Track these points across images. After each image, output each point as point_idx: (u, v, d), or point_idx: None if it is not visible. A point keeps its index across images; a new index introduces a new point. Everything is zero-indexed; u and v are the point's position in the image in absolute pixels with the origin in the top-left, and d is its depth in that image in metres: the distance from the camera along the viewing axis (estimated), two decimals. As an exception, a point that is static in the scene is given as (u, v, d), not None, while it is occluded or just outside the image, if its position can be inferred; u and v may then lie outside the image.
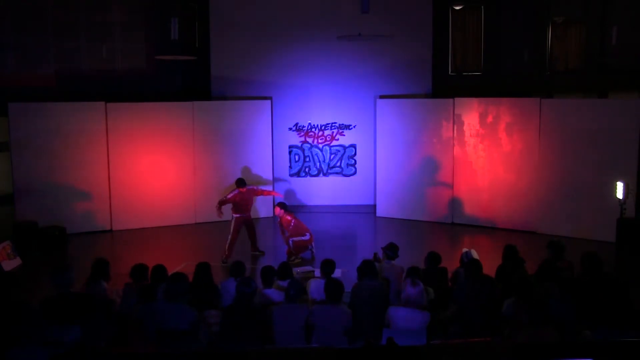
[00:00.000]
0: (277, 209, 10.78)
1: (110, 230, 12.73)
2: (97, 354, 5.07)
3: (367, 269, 6.52)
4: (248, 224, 10.93)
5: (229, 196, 10.75)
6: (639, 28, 12.62)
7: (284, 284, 6.47)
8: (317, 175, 14.48)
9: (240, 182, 10.77)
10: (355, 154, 14.44)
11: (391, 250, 7.58)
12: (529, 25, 14.43)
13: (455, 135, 13.07)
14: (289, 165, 14.38)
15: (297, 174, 14.40)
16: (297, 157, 14.40)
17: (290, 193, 14.25)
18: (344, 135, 14.40)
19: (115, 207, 12.75)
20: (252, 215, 11.25)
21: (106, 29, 13.94)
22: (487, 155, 12.79)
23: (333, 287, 5.97)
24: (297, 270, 9.07)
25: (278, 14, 13.92)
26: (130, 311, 6.04)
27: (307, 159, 14.45)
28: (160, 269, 6.84)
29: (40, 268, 10.18)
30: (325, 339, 5.70)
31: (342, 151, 14.46)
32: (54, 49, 13.48)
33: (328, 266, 6.90)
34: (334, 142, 14.42)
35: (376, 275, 6.64)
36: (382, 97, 13.96)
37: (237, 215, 10.72)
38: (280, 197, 12.44)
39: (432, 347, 4.78)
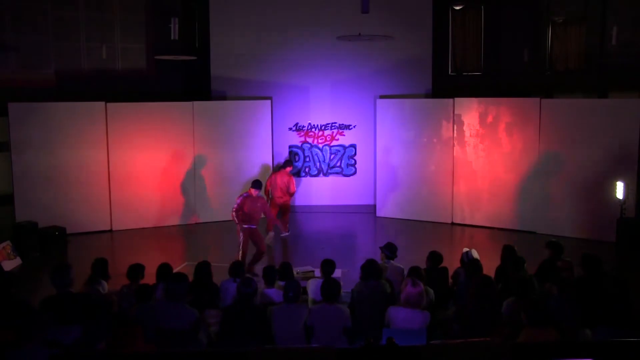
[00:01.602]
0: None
1: (110, 230, 12.72)
2: (97, 354, 5.07)
3: (372, 268, 6.51)
4: (254, 237, 9.62)
5: (237, 201, 9.52)
6: (639, 28, 12.62)
7: (284, 284, 6.47)
8: (317, 175, 14.49)
9: (256, 184, 9.56)
10: (355, 154, 14.44)
11: (389, 250, 7.54)
12: (529, 25, 14.42)
13: (455, 135, 13.06)
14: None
15: (297, 174, 14.39)
16: (297, 157, 14.40)
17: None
18: (344, 135, 14.41)
19: (115, 207, 12.75)
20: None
21: (106, 29, 13.93)
22: (487, 155, 12.79)
23: (328, 287, 5.97)
24: (297, 270, 9.07)
25: (278, 14, 13.92)
26: (129, 311, 6.05)
27: (307, 159, 14.45)
28: (166, 267, 6.88)
29: (40, 268, 10.18)
30: (325, 339, 5.70)
31: (342, 151, 14.46)
32: (54, 49, 13.47)
33: (328, 266, 6.90)
34: (334, 142, 14.42)
35: (380, 275, 6.63)
36: (382, 97, 13.95)
37: (245, 226, 9.53)
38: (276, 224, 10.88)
39: (432, 347, 4.77)
